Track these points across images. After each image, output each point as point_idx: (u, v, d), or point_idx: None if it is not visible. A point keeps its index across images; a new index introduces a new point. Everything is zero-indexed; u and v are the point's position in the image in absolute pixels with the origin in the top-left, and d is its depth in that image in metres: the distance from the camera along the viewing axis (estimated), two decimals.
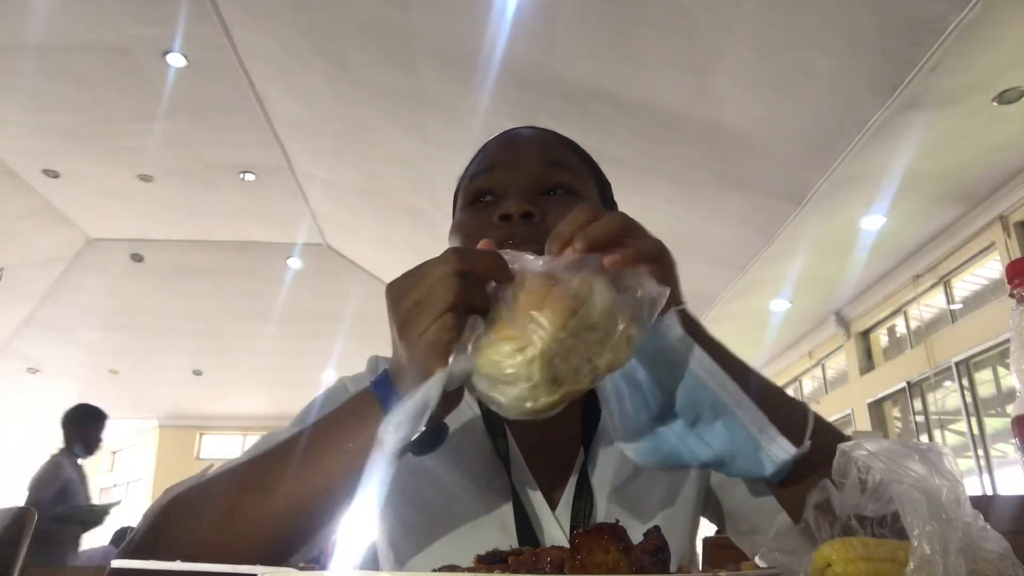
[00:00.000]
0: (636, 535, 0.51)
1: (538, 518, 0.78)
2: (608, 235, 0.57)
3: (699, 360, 0.59)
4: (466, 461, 0.80)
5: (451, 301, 0.54)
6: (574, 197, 0.82)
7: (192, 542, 0.60)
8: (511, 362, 0.51)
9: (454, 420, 0.83)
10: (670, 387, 0.60)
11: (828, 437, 0.61)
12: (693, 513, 0.83)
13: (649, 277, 0.56)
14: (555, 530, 0.77)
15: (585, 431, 0.83)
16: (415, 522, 0.78)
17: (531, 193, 0.80)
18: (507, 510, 0.77)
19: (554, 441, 0.82)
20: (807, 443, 0.59)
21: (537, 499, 0.79)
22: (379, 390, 0.62)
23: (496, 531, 0.76)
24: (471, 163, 0.90)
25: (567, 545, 0.74)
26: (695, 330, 0.63)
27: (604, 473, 0.81)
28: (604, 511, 0.78)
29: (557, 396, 0.53)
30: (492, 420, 0.83)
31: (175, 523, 0.63)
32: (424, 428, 0.54)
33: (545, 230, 0.71)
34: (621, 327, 0.54)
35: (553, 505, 0.79)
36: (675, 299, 0.62)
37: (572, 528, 0.77)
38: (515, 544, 0.74)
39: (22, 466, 13.15)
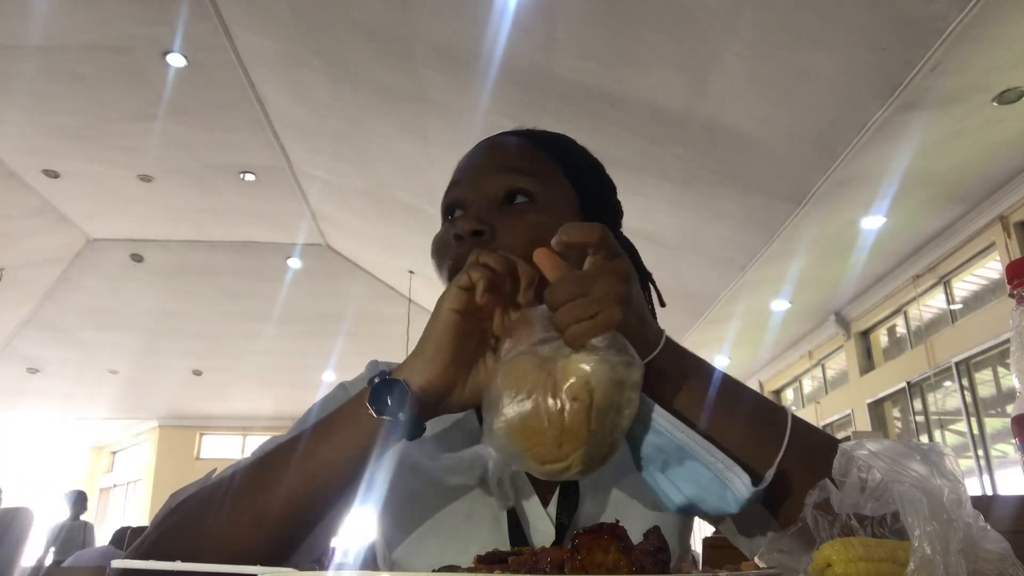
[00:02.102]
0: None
1: (526, 515, 0.79)
2: (572, 322, 0.59)
3: (654, 411, 0.62)
4: (461, 459, 0.81)
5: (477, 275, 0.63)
6: (532, 203, 0.81)
7: (198, 545, 0.63)
8: (550, 468, 0.58)
9: (448, 419, 0.84)
10: (632, 439, 0.63)
11: (809, 449, 0.64)
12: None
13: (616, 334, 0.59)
14: (545, 525, 0.78)
15: None
16: (409, 518, 0.80)
17: (490, 206, 0.80)
18: (499, 506, 0.79)
19: None
20: (770, 474, 0.61)
21: (529, 494, 0.80)
22: (374, 390, 0.65)
23: (488, 527, 0.78)
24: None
25: (554, 539, 0.76)
26: (666, 369, 0.66)
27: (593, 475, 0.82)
28: (593, 511, 0.79)
29: (597, 469, 0.59)
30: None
31: (182, 526, 0.65)
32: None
33: (501, 245, 0.75)
34: (628, 384, 0.58)
35: (545, 502, 0.80)
36: (643, 343, 0.63)
37: (558, 523, 0.78)
38: (506, 540, 0.76)
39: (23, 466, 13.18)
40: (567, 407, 0.56)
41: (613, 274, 0.61)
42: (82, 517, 6.82)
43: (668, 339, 0.67)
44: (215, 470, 0.74)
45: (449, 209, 0.85)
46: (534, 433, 0.57)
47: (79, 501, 6.80)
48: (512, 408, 0.57)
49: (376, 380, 0.65)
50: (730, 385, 0.69)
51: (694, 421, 0.65)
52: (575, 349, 0.58)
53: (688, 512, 0.64)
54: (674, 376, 0.66)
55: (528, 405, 0.57)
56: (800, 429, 0.66)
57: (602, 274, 0.61)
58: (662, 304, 0.96)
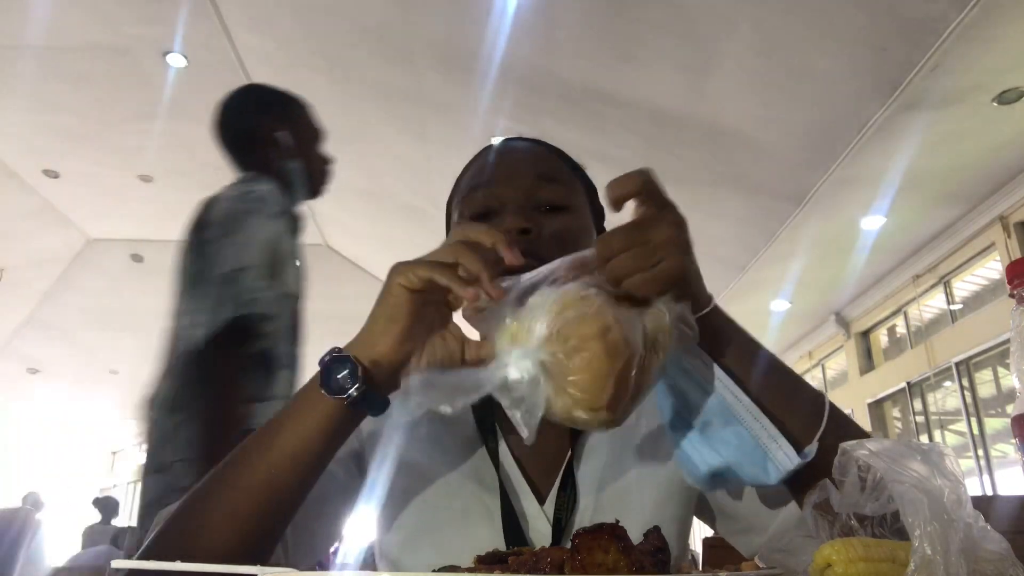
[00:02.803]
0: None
1: (524, 513, 0.79)
2: (631, 271, 0.58)
3: (706, 367, 0.60)
4: (455, 456, 0.82)
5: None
6: (567, 212, 0.84)
7: (184, 545, 0.62)
8: (583, 416, 0.55)
9: (445, 419, 0.84)
10: (679, 394, 0.61)
11: (842, 436, 0.62)
12: (684, 514, 0.83)
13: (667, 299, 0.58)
14: (542, 524, 0.78)
15: (573, 432, 0.85)
16: (405, 517, 0.80)
17: (526, 208, 0.82)
18: (495, 505, 0.78)
19: (542, 441, 0.84)
20: (812, 450, 0.60)
21: (525, 494, 0.80)
22: (326, 370, 0.64)
23: (484, 525, 0.77)
24: (464, 175, 0.91)
25: (551, 538, 0.76)
26: (720, 329, 0.65)
27: (590, 471, 0.82)
28: (591, 508, 0.79)
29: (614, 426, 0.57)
30: (482, 419, 0.85)
31: (168, 532, 0.65)
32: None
33: (541, 245, 0.76)
34: (661, 332, 0.57)
35: (541, 500, 0.81)
36: (696, 301, 0.63)
37: (556, 521, 0.78)
38: (502, 537, 0.76)
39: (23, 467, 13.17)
40: (639, 355, 0.54)
41: (669, 221, 0.60)
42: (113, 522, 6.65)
43: (718, 311, 0.66)
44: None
45: (477, 210, 0.85)
46: (589, 370, 0.53)
47: (111, 506, 6.70)
48: (576, 339, 0.53)
49: (326, 359, 0.63)
50: (773, 358, 0.68)
51: (742, 385, 0.64)
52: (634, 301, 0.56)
53: (718, 479, 0.62)
54: (724, 338, 0.65)
55: (595, 345, 0.53)
56: (835, 412, 0.65)
57: (658, 221, 0.60)
58: None
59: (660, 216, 0.61)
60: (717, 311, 0.66)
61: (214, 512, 0.63)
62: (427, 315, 0.64)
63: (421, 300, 0.62)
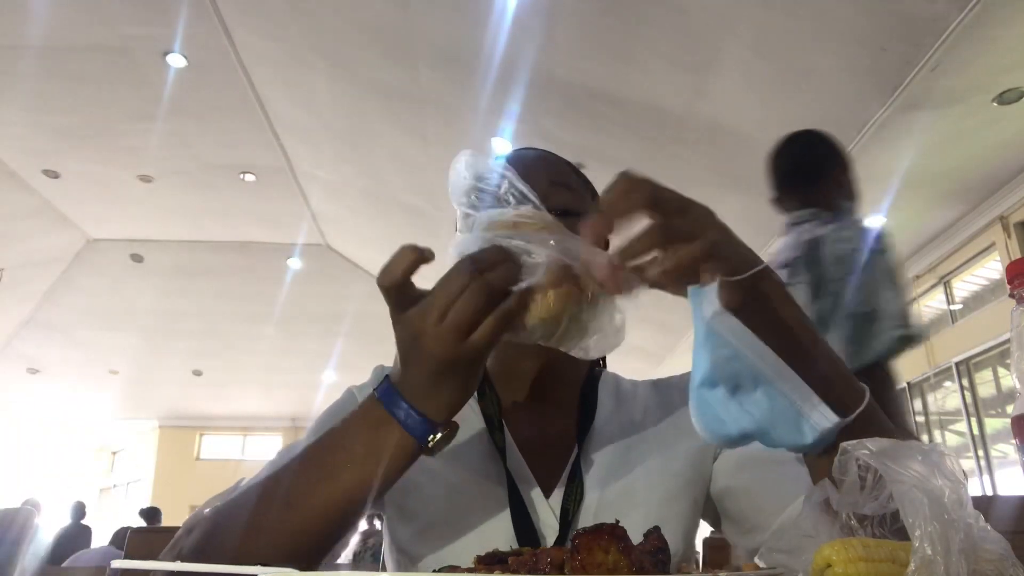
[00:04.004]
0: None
1: (533, 504, 0.80)
2: (642, 253, 0.60)
3: (734, 332, 0.58)
4: (464, 453, 0.83)
5: (479, 307, 0.61)
6: (578, 219, 0.83)
7: (224, 558, 0.63)
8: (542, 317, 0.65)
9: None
10: (706, 356, 0.59)
11: (881, 421, 0.61)
12: (690, 513, 0.83)
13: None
14: (549, 517, 0.79)
15: (580, 426, 0.86)
16: (414, 510, 0.81)
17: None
18: (502, 497, 0.79)
19: (550, 435, 0.86)
20: (854, 415, 0.58)
21: (532, 487, 0.81)
22: (385, 398, 0.66)
23: (492, 517, 0.78)
24: None
25: (558, 530, 0.76)
26: (767, 295, 0.64)
27: (597, 466, 0.83)
28: (596, 502, 0.80)
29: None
30: (490, 415, 0.86)
31: (207, 541, 0.66)
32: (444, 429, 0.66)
33: None
34: None
35: (548, 493, 0.81)
36: (736, 266, 0.62)
37: (563, 513, 0.79)
38: (510, 530, 0.77)
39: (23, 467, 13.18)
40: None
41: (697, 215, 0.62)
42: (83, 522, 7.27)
43: (770, 268, 0.65)
44: (243, 479, 0.75)
45: None
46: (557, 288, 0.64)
47: (79, 510, 7.33)
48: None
49: (436, 436, 0.66)
50: (820, 338, 0.66)
51: (786, 350, 0.61)
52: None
53: (756, 437, 0.60)
54: (773, 304, 0.64)
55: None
56: (874, 406, 0.63)
57: (681, 214, 0.61)
58: None
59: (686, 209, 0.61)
60: (766, 276, 0.63)
61: (267, 528, 0.65)
62: None
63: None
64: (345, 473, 0.66)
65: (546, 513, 0.79)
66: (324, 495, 0.65)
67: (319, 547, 0.66)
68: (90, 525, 7.45)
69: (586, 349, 0.67)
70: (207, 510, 0.69)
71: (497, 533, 0.76)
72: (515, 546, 0.69)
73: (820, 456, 0.61)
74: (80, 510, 7.37)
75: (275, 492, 0.67)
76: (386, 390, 0.66)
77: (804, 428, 0.57)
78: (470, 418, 0.86)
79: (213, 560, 0.64)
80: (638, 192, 0.61)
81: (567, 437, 0.85)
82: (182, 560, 0.64)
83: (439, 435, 0.66)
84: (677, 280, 0.59)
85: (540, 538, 0.77)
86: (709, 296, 0.60)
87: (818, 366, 0.62)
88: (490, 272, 0.62)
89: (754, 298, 0.62)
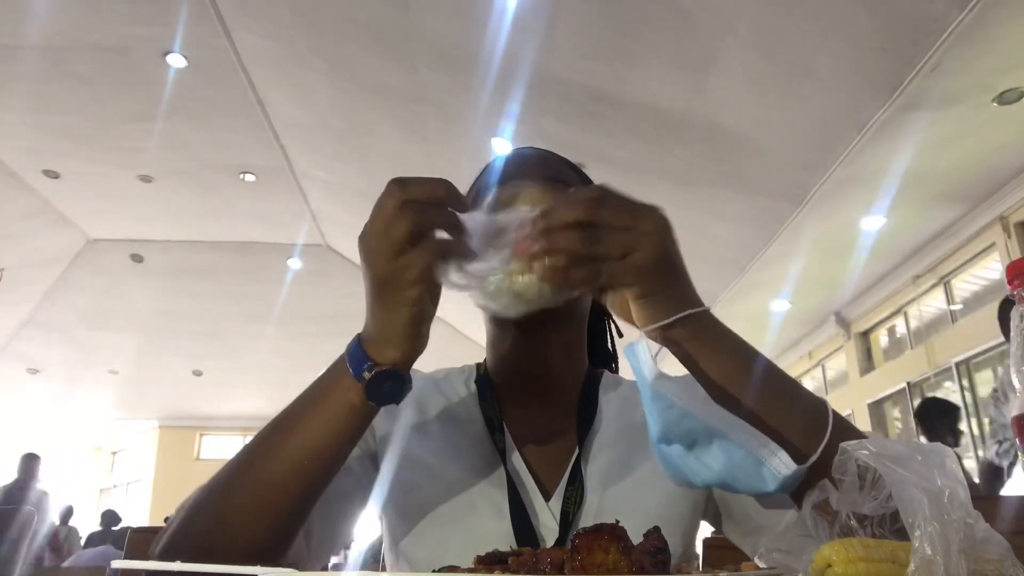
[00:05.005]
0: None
1: (533, 506, 0.79)
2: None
3: (678, 393, 0.59)
4: (464, 454, 0.83)
5: (408, 228, 0.60)
6: None
7: (204, 543, 0.64)
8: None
9: (454, 416, 0.87)
10: (658, 418, 0.60)
11: (844, 440, 0.61)
12: (691, 515, 0.83)
13: None
14: (548, 519, 0.79)
15: (581, 427, 0.86)
16: (413, 511, 0.81)
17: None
18: (502, 499, 0.79)
19: (550, 436, 0.85)
20: (815, 454, 0.59)
21: (532, 489, 0.81)
22: (351, 359, 0.66)
23: (491, 519, 0.78)
24: (477, 180, 0.94)
25: (558, 532, 0.76)
26: (713, 333, 0.65)
27: (597, 468, 0.83)
28: (596, 505, 0.80)
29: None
30: (490, 416, 0.86)
31: (186, 526, 0.67)
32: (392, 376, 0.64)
33: None
34: None
35: (547, 496, 0.81)
36: (679, 301, 0.63)
37: (563, 515, 0.78)
38: (510, 531, 0.77)
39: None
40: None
41: (648, 216, 0.62)
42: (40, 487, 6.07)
43: (711, 316, 0.66)
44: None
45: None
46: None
47: (30, 463, 6.12)
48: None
49: (372, 373, 0.65)
50: (771, 366, 0.67)
51: (736, 396, 0.63)
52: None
53: (719, 487, 0.62)
54: (718, 344, 0.65)
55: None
56: (839, 422, 0.64)
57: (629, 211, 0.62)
58: (619, 335, 0.97)
59: (637, 209, 0.62)
60: (709, 316, 0.65)
61: (239, 504, 0.65)
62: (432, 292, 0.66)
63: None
64: (300, 422, 0.67)
65: (546, 516, 0.79)
66: (285, 461, 0.66)
67: (285, 504, 0.66)
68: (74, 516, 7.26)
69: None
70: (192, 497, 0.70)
71: (496, 535, 0.76)
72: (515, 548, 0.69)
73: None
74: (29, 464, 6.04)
75: (246, 455, 0.68)
76: (353, 349, 0.66)
77: (765, 475, 0.58)
78: (470, 420, 0.86)
79: (194, 532, 0.65)
80: (590, 194, 0.61)
81: (568, 439, 0.85)
82: (167, 543, 0.65)
83: (375, 372, 0.64)
84: (580, 286, 0.61)
85: (540, 541, 0.77)
86: (644, 359, 0.60)
87: (774, 398, 0.63)
88: (419, 195, 0.62)
89: (707, 338, 0.64)
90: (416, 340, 0.65)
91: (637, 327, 0.66)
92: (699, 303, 0.65)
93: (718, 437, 0.59)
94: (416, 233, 0.60)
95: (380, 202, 0.62)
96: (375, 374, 0.64)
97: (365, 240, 0.63)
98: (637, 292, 0.63)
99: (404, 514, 0.82)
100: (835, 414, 0.64)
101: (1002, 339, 5.95)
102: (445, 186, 0.63)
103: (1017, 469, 2.66)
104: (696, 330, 0.64)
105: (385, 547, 0.85)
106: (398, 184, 0.62)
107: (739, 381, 0.64)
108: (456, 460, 0.83)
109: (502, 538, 0.76)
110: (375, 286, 0.63)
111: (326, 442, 0.66)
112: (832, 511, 0.50)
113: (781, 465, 0.58)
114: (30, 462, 6.11)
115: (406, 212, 0.60)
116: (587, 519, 0.79)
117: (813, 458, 0.59)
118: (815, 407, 0.65)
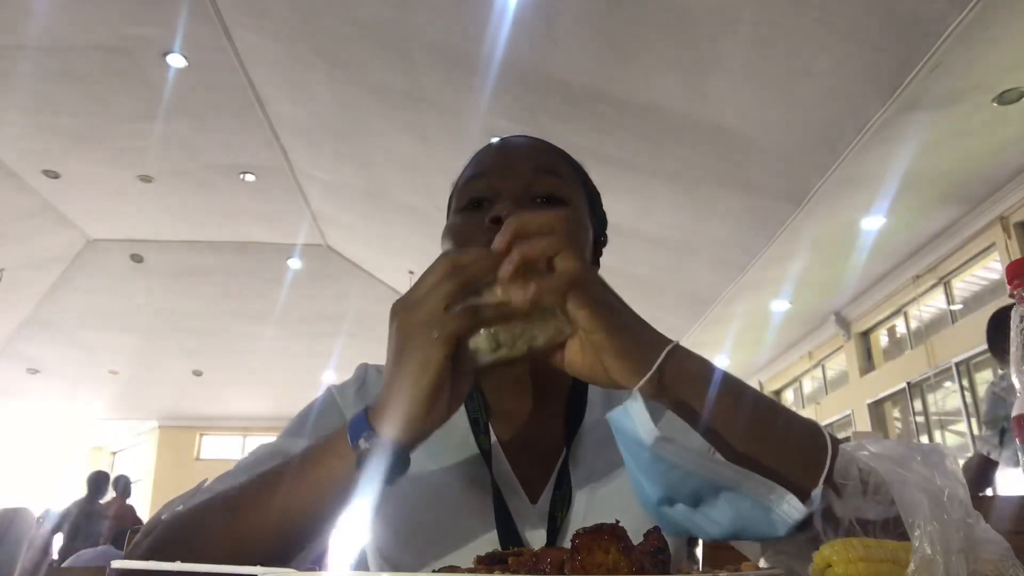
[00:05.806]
0: None
1: (519, 511, 0.78)
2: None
3: (680, 453, 0.56)
4: (449, 458, 0.82)
5: (453, 290, 0.59)
6: (562, 205, 0.82)
7: (185, 553, 0.61)
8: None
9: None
10: (655, 480, 0.58)
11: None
12: None
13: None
14: (535, 522, 0.78)
15: (569, 428, 0.84)
16: (396, 515, 0.79)
17: (522, 198, 0.81)
18: (487, 504, 0.78)
19: (537, 438, 0.84)
20: (818, 493, 0.56)
21: (518, 493, 0.80)
22: (352, 425, 0.63)
23: (477, 524, 0.77)
24: (465, 169, 0.91)
25: (545, 536, 0.75)
26: (690, 374, 0.62)
27: (585, 471, 0.81)
28: (584, 507, 0.79)
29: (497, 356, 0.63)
30: (475, 417, 0.84)
31: (175, 545, 0.65)
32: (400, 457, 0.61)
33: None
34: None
35: (534, 500, 0.80)
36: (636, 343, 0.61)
37: (551, 519, 0.77)
38: (495, 536, 0.75)
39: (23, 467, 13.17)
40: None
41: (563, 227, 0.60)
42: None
43: (684, 348, 0.62)
44: (205, 480, 0.73)
45: (472, 199, 0.84)
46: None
47: (100, 483, 6.46)
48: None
49: (368, 444, 0.61)
50: (758, 396, 0.65)
51: (729, 441, 0.61)
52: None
53: (730, 539, 0.59)
54: (698, 384, 0.62)
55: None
56: (838, 452, 0.60)
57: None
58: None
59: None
60: (684, 348, 0.62)
61: (210, 554, 0.62)
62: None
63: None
64: (287, 483, 0.64)
65: (533, 519, 0.78)
66: (273, 512, 0.63)
67: (258, 561, 0.63)
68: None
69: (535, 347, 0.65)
70: (164, 515, 0.68)
71: (482, 540, 0.75)
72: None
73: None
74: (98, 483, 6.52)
75: (243, 505, 0.66)
76: (357, 419, 0.63)
77: (775, 521, 0.55)
78: (455, 421, 0.82)
79: (175, 554, 0.62)
80: (558, 227, 0.60)
81: (555, 440, 0.83)
82: (148, 554, 0.63)
83: (372, 443, 0.60)
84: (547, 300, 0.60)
85: (525, 544, 0.75)
86: (641, 420, 0.57)
87: (769, 432, 0.61)
88: (467, 263, 0.60)
89: (679, 380, 0.61)
90: (428, 415, 0.60)
91: (621, 387, 0.61)
92: (663, 336, 0.62)
93: (724, 490, 0.56)
94: (454, 301, 0.59)
95: (430, 268, 0.61)
96: (371, 446, 0.61)
97: (404, 300, 0.61)
98: (590, 323, 0.60)
99: (387, 518, 0.80)
100: (836, 451, 0.60)
101: (1002, 340, 5.96)
102: (493, 260, 0.60)
103: (1006, 454, 2.65)
104: (679, 370, 0.61)
105: (369, 553, 0.83)
106: (450, 256, 0.61)
107: (733, 418, 0.61)
108: (440, 462, 0.81)
109: (487, 542, 0.75)
110: (399, 345, 0.60)
111: (310, 508, 0.63)
112: (836, 518, 0.50)
113: (792, 510, 0.55)
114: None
115: (455, 277, 0.59)
116: (575, 521, 0.77)
117: (816, 496, 0.56)
118: (811, 436, 0.62)
